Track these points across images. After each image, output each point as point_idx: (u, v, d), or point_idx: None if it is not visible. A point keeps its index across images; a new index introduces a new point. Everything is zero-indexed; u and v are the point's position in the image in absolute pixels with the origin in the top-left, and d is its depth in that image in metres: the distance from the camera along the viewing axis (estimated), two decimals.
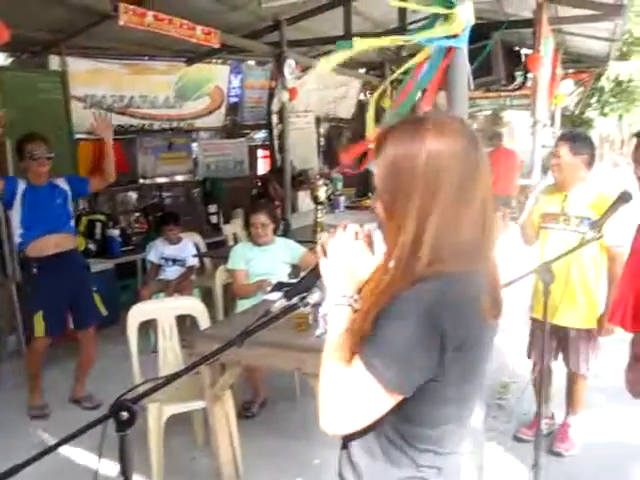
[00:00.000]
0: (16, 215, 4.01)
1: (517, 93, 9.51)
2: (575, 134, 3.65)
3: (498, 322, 1.31)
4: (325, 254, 1.36)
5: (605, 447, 3.60)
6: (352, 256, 1.34)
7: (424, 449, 1.27)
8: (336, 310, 1.32)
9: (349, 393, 1.21)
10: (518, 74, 7.02)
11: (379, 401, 1.20)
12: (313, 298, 1.38)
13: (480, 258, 1.26)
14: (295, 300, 1.40)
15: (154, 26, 5.39)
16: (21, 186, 3.99)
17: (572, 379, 3.60)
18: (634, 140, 2.32)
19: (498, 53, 6.37)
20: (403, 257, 1.23)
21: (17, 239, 4.07)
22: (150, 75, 8.27)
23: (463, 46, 2.99)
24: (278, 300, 1.42)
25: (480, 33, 5.95)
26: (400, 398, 1.20)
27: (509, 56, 6.71)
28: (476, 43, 5.70)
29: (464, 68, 3.01)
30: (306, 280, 1.39)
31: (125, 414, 1.45)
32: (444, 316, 1.17)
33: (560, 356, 3.59)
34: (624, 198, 2.52)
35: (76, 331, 4.31)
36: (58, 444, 1.50)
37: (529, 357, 3.70)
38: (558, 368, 3.63)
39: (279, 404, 4.21)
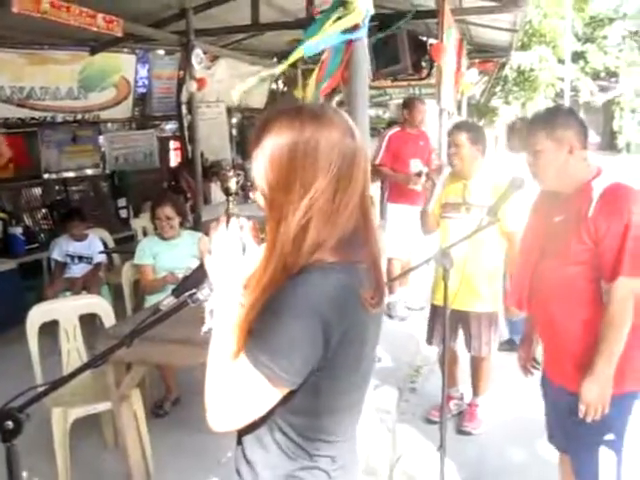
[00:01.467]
0: None
1: (424, 82, 9.68)
2: (471, 124, 3.78)
3: (381, 312, 1.33)
4: (209, 250, 1.33)
5: (512, 423, 3.75)
6: (236, 250, 1.32)
7: (316, 439, 1.27)
8: (222, 305, 1.30)
9: (235, 388, 1.20)
10: (424, 64, 7.15)
11: (265, 395, 1.20)
12: (203, 294, 1.36)
13: (361, 248, 1.27)
14: (184, 297, 1.37)
15: (51, 13, 5.14)
16: None
17: (475, 362, 3.72)
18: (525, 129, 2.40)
19: (404, 42, 6.44)
20: (284, 248, 1.22)
21: None
22: (51, 65, 7.93)
23: (363, 37, 3.00)
24: (167, 298, 1.39)
25: (386, 23, 6.03)
26: (287, 391, 1.20)
27: (415, 46, 6.79)
28: (384, 32, 5.78)
29: (365, 60, 3.03)
30: (194, 276, 1.36)
31: (10, 423, 1.39)
32: (326, 307, 1.17)
33: (462, 340, 3.69)
34: (515, 184, 2.61)
35: None
36: None
37: (430, 343, 3.78)
38: (464, 350, 3.74)
39: (193, 401, 4.14)
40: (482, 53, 10.30)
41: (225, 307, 1.29)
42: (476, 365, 3.73)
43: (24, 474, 1.46)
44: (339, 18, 2.79)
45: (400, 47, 6.55)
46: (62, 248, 5.42)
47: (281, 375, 1.18)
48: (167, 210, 3.99)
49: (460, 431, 3.68)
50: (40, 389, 1.46)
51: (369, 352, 1.31)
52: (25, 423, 1.42)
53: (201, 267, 1.35)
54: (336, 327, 1.18)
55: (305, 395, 1.23)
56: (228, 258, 1.31)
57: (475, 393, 3.80)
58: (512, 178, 2.63)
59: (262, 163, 1.25)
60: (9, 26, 6.93)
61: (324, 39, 2.81)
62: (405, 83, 10.27)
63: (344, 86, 3.20)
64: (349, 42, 3.03)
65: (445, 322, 2.59)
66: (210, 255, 1.32)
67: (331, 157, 1.22)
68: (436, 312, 3.68)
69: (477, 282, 3.48)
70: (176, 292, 1.38)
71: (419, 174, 4.93)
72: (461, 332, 3.65)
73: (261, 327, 1.20)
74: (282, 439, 1.27)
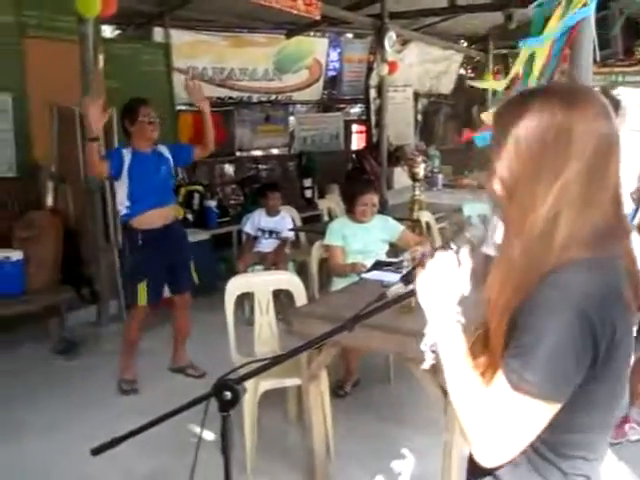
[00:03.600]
0: (123, 186, 4.01)
1: (632, 69, 8.93)
2: None
3: (638, 311, 1.17)
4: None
5: None
6: (448, 274, 1.23)
7: (572, 456, 1.15)
8: (446, 333, 1.20)
9: (504, 418, 1.08)
10: (637, 48, 6.55)
11: (539, 417, 1.07)
12: None
13: (617, 243, 1.13)
14: (412, 286, 1.30)
15: None
16: (127, 155, 3.98)
17: None
18: None
19: (617, 24, 5.94)
20: (531, 245, 1.10)
21: (123, 210, 4.06)
22: (250, 47, 8.31)
23: (590, 15, 2.76)
24: (395, 284, 1.32)
25: (598, 3, 5.56)
26: (559, 407, 1.08)
27: (629, 29, 6.25)
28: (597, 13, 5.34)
29: (590, 38, 2.78)
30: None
31: (228, 394, 1.41)
32: (591, 308, 1.04)
33: None
34: None
35: (172, 297, 4.37)
36: (164, 417, 1.48)
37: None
38: None
39: (372, 386, 4.14)
40: None
41: (450, 333, 1.19)
42: None
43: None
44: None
45: (612, 30, 6.05)
46: (255, 222, 5.62)
47: (555, 392, 1.06)
48: (374, 197, 4.07)
49: None
50: (258, 364, 1.46)
51: (629, 358, 1.16)
52: (241, 396, 1.44)
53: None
54: (604, 330, 1.04)
55: (567, 409, 1.09)
56: (441, 284, 1.22)
57: None
58: None
59: (506, 149, 1.14)
60: (214, 10, 7.35)
61: (564, 24, 2.61)
62: (608, 69, 9.52)
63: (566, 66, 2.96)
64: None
65: None
66: (422, 288, 1.25)
67: (585, 142, 1.09)
68: None
69: None
70: (405, 280, 1.31)
71: None
72: None
73: (519, 340, 1.08)
74: (532, 455, 1.15)
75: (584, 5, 2.63)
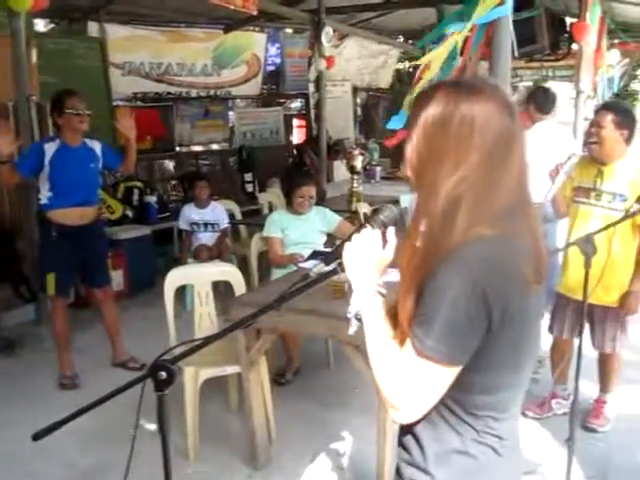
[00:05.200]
0: (44, 177, 3.96)
1: (560, 64, 9.26)
2: (619, 106, 3.51)
3: (542, 288, 1.29)
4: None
5: (638, 422, 3.56)
6: (372, 249, 1.35)
7: (482, 415, 1.26)
8: (368, 302, 1.31)
9: (410, 379, 1.19)
10: (562, 44, 6.83)
11: (442, 379, 1.19)
12: None
13: (520, 221, 1.23)
14: (334, 265, 1.40)
15: None
16: (52, 148, 3.94)
17: (602, 358, 3.55)
18: None
19: (542, 22, 6.19)
20: (434, 224, 1.21)
21: (43, 200, 4.02)
22: (188, 42, 8.28)
23: (508, 14, 2.91)
24: (316, 265, 1.42)
25: (525, 1, 5.79)
26: (459, 369, 1.19)
27: (554, 25, 6.51)
28: (520, 12, 5.55)
29: (508, 37, 2.94)
30: (344, 246, 1.38)
31: (164, 374, 1.47)
32: (487, 280, 1.15)
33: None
34: None
35: (93, 291, 4.41)
36: (97, 402, 1.53)
37: (550, 332, 3.63)
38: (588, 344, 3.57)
39: (313, 372, 4.24)
40: (624, 32, 9.67)
41: (371, 303, 1.30)
42: (602, 361, 3.56)
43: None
44: None
45: (537, 26, 6.31)
46: (186, 216, 5.61)
47: (454, 356, 1.17)
48: (312, 189, 4.15)
49: (585, 427, 3.53)
50: (188, 345, 1.53)
51: (533, 329, 1.27)
52: (177, 375, 1.51)
53: (351, 237, 1.36)
54: (498, 301, 1.15)
55: (471, 372, 1.21)
56: (365, 257, 1.34)
57: (602, 390, 3.62)
58: None
59: (415, 135, 1.25)
60: (151, 5, 7.29)
61: (478, 19, 2.75)
62: (539, 64, 9.86)
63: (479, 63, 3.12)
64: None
65: (584, 310, 2.47)
66: (348, 258, 1.36)
67: (486, 132, 1.19)
68: (560, 301, 3.54)
69: (608, 276, 3.27)
70: (325, 260, 1.41)
71: None
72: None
73: (422, 310, 1.19)
74: (449, 415, 1.26)
75: (501, 4, 2.78)
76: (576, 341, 3.08)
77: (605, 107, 3.40)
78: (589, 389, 3.70)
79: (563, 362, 3.56)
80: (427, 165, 1.23)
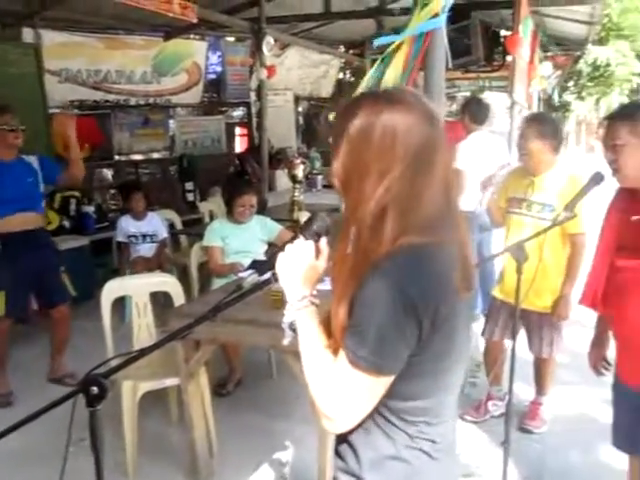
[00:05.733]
0: None
1: (496, 75, 9.53)
2: (541, 117, 3.60)
3: (471, 295, 1.31)
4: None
5: (573, 424, 3.67)
6: (305, 259, 1.36)
7: (414, 421, 1.27)
8: (301, 313, 1.32)
9: (343, 389, 1.20)
10: (497, 55, 7.03)
11: (375, 388, 1.20)
12: None
13: (447, 230, 1.24)
14: (267, 275, 1.40)
15: None
16: None
17: (538, 362, 3.65)
18: (605, 124, 2.33)
19: (477, 34, 6.36)
20: (362, 235, 1.22)
21: None
22: (127, 50, 8.15)
23: (442, 26, 2.98)
24: (250, 275, 1.42)
25: (460, 13, 5.94)
26: (392, 379, 1.20)
27: (488, 37, 6.70)
28: (456, 24, 5.69)
29: (442, 48, 3.00)
30: (275, 257, 1.39)
31: (95, 389, 1.44)
32: (416, 289, 1.16)
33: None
34: (596, 179, 2.53)
35: (46, 310, 4.24)
36: (27, 420, 1.49)
37: (483, 335, 3.71)
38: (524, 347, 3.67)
39: (256, 382, 4.22)
40: (556, 46, 10.04)
41: (304, 313, 1.32)
42: (538, 365, 3.66)
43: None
44: (424, 6, 2.78)
45: (473, 38, 6.48)
46: (123, 228, 5.49)
47: (385, 366, 1.18)
48: (253, 198, 4.13)
49: (521, 429, 3.62)
50: (124, 358, 1.50)
51: (463, 334, 1.30)
52: (109, 389, 1.47)
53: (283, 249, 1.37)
54: (428, 310, 1.17)
55: (402, 379, 1.22)
56: (298, 267, 1.35)
57: (538, 392, 3.73)
58: (594, 173, 2.54)
59: (339, 147, 1.25)
60: (88, 11, 7.15)
61: (413, 29, 2.81)
62: (475, 75, 10.12)
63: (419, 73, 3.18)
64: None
65: (517, 315, 2.54)
66: (282, 268, 1.36)
67: (408, 142, 1.19)
68: (494, 305, 3.63)
69: (540, 281, 3.36)
70: (259, 270, 1.41)
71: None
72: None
73: (355, 322, 1.20)
74: (383, 422, 1.27)
75: (436, 15, 2.85)
76: (509, 343, 3.18)
77: (528, 119, 3.50)
78: (524, 391, 3.81)
79: (496, 364, 3.65)
80: (352, 175, 1.23)
